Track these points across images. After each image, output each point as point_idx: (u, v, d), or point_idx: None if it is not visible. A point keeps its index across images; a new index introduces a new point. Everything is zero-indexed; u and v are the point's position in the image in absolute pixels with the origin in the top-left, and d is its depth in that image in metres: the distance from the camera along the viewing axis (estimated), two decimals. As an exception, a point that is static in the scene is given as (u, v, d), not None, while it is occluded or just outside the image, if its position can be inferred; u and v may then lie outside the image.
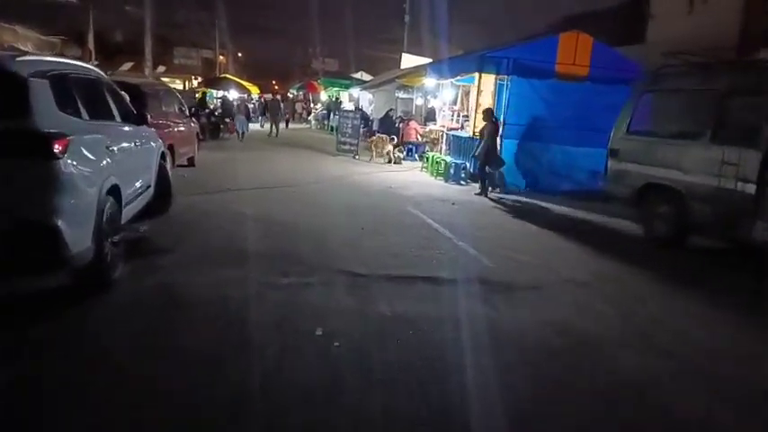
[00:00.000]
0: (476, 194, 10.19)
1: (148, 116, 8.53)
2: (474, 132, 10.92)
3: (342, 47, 51.89)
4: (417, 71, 14.97)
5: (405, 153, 15.48)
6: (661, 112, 7.13)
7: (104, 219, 4.25)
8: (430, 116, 17.87)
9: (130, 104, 6.25)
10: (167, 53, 48.99)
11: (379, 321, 4.04)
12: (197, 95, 20.14)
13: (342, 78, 30.35)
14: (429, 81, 13.35)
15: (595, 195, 10.66)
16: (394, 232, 6.82)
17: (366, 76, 31.83)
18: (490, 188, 10.34)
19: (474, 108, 10.79)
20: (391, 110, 19.98)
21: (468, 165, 11.88)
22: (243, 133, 19.74)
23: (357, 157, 15.83)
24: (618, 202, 7.99)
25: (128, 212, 5.21)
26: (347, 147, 16.13)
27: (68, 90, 4.42)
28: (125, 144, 5.29)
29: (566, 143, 10.92)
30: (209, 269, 4.95)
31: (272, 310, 4.09)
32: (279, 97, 30.36)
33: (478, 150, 10.25)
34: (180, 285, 4.52)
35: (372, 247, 6.08)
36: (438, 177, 12.31)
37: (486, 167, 10.14)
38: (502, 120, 10.65)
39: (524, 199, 10.16)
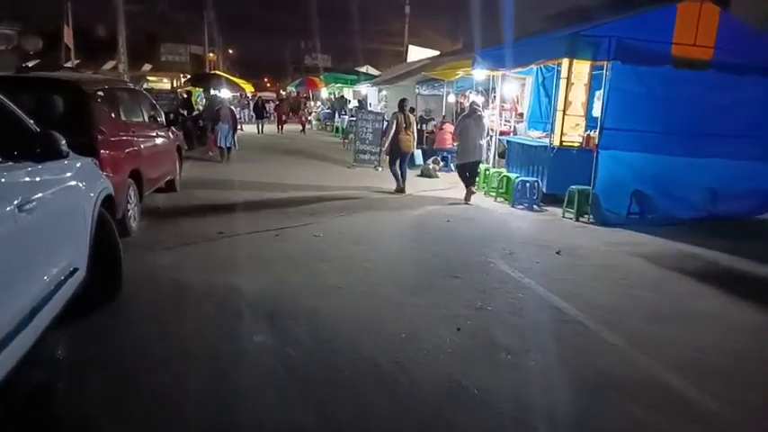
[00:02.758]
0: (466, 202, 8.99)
1: (95, 134, 5.66)
2: (561, 142, 7.94)
3: (336, 41, 48.72)
4: (455, 61, 12.02)
5: (441, 163, 12.51)
6: None
7: None
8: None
9: (29, 121, 3.24)
10: (154, 50, 45.84)
11: None
12: (181, 95, 16.59)
13: (347, 73, 27.26)
14: (478, 73, 10.35)
15: (726, 225, 7.85)
16: (514, 336, 3.83)
17: (372, 71, 28.89)
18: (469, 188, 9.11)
19: (562, 108, 7.79)
20: (412, 109, 16.98)
21: (540, 182, 8.93)
22: (227, 149, 13.41)
23: (380, 168, 12.87)
24: None
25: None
26: (367, 156, 13.16)
27: None
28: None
29: (680, 153, 7.97)
30: None
31: None
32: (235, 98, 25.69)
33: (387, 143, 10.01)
34: None
35: (505, 397, 3.10)
36: (498, 199, 9.35)
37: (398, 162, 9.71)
38: (599, 123, 7.70)
39: (641, 234, 7.20)
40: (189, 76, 31.01)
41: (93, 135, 5.52)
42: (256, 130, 22.43)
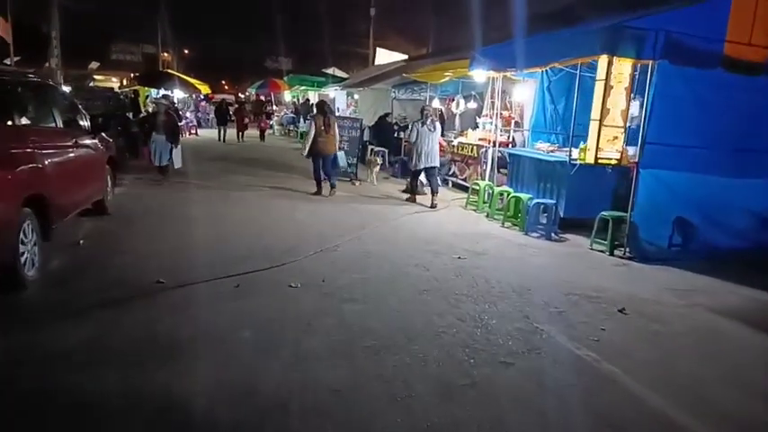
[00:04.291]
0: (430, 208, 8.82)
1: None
2: (597, 158, 6.44)
3: (298, 43, 46.47)
4: (445, 61, 10.48)
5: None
6: None
7: None
8: (447, 124, 13.41)
9: None
10: (105, 48, 42.90)
11: None
12: (128, 95, 14.18)
13: (313, 75, 25.47)
14: (478, 74, 8.80)
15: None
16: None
17: (339, 73, 27.19)
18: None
19: (599, 114, 6.31)
20: (388, 115, 15.43)
21: (556, 205, 7.46)
22: (166, 167, 10.48)
23: (357, 182, 11.24)
24: None
25: None
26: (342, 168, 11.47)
27: None
28: None
29: (729, 173, 6.65)
30: None
31: None
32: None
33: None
34: None
35: None
36: (506, 224, 7.82)
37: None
38: (641, 137, 6.27)
39: (700, 276, 5.79)
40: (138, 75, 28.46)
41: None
42: (217, 137, 20.25)
